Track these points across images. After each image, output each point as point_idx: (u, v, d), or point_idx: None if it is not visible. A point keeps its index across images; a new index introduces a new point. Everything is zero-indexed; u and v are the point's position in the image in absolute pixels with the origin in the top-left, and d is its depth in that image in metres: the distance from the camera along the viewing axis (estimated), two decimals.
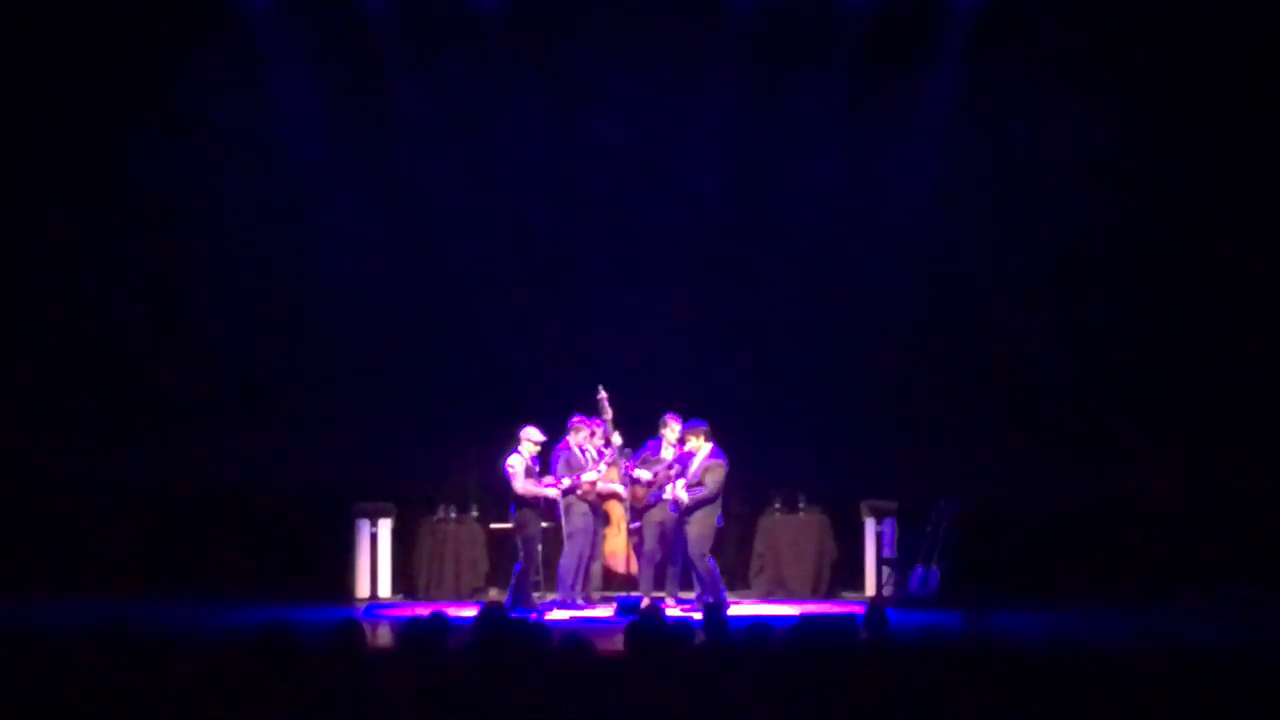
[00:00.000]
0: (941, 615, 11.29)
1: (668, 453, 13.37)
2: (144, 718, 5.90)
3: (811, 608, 13.24)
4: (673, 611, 12.51)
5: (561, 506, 13.20)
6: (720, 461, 12.96)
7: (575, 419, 13.40)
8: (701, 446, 12.98)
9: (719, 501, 13.07)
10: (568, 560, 13.23)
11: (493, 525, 14.47)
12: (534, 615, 12.49)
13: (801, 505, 14.95)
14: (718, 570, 13.13)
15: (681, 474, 13.07)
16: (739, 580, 14.56)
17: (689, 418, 13.23)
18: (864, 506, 14.70)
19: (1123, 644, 7.31)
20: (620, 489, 13.53)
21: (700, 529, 12.96)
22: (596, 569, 13.91)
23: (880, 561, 14.51)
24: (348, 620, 7.15)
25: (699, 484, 12.92)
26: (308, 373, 15.20)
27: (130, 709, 5.96)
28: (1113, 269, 15.20)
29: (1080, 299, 15.28)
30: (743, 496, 14.12)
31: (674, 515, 13.18)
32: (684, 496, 12.93)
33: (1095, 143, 15.07)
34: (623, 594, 13.49)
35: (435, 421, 15.17)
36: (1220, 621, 12.22)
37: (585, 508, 13.31)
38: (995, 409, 15.11)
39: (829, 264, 15.43)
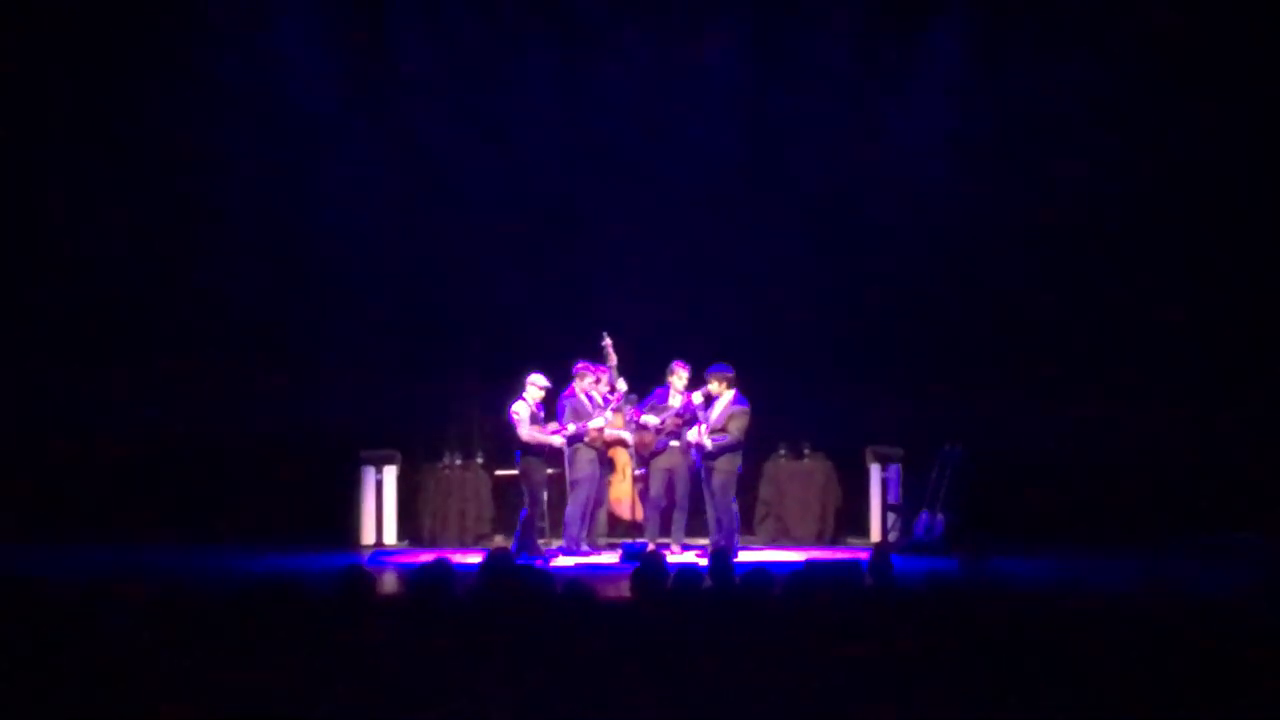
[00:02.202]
0: (946, 561, 11.32)
1: (675, 400, 13.36)
2: (150, 663, 5.93)
3: (816, 554, 13.28)
4: (678, 558, 12.56)
5: (567, 453, 13.21)
6: (744, 408, 12.95)
7: (580, 365, 13.38)
8: (725, 392, 12.98)
9: (741, 448, 13.07)
10: (573, 507, 13.25)
11: (498, 472, 14.51)
12: (539, 562, 12.53)
13: (806, 452, 14.98)
14: (739, 519, 13.16)
15: (691, 422, 13.07)
16: (744, 526, 14.59)
17: (695, 364, 13.22)
18: (869, 453, 14.73)
19: (1126, 590, 7.32)
20: (626, 435, 13.54)
21: (724, 476, 12.98)
22: (602, 515, 13.96)
23: (885, 508, 14.56)
24: (354, 567, 7.17)
25: (722, 430, 12.92)
26: (314, 321, 15.22)
27: (136, 654, 5.98)
28: (1120, 218, 15.15)
29: (1087, 247, 15.25)
30: (748, 443, 14.11)
31: (682, 462, 13.21)
32: (707, 443, 12.93)
33: (1103, 92, 14.99)
34: (628, 540, 13.53)
35: (440, 369, 15.19)
36: (1224, 569, 12.24)
37: (591, 454, 13.32)
38: (1001, 355, 15.10)
39: (835, 213, 15.40)
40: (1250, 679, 5.89)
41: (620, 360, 13.42)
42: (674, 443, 13.27)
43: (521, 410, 13.09)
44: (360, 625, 6.40)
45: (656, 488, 13.38)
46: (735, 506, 13.15)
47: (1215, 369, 14.86)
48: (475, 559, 10.98)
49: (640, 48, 15.18)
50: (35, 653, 5.96)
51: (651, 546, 12.85)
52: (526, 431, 13.07)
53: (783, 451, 14.97)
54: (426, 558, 7.65)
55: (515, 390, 13.24)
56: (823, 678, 5.85)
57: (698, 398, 13.07)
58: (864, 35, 15.11)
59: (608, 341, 13.38)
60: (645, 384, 13.64)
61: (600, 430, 13.29)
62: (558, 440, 13.13)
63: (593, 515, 13.59)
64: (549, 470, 13.34)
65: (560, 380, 13.37)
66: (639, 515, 13.64)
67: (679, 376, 13.36)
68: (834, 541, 14.65)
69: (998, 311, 15.29)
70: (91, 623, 6.28)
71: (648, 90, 15.28)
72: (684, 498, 13.34)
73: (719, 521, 13.05)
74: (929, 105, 15.28)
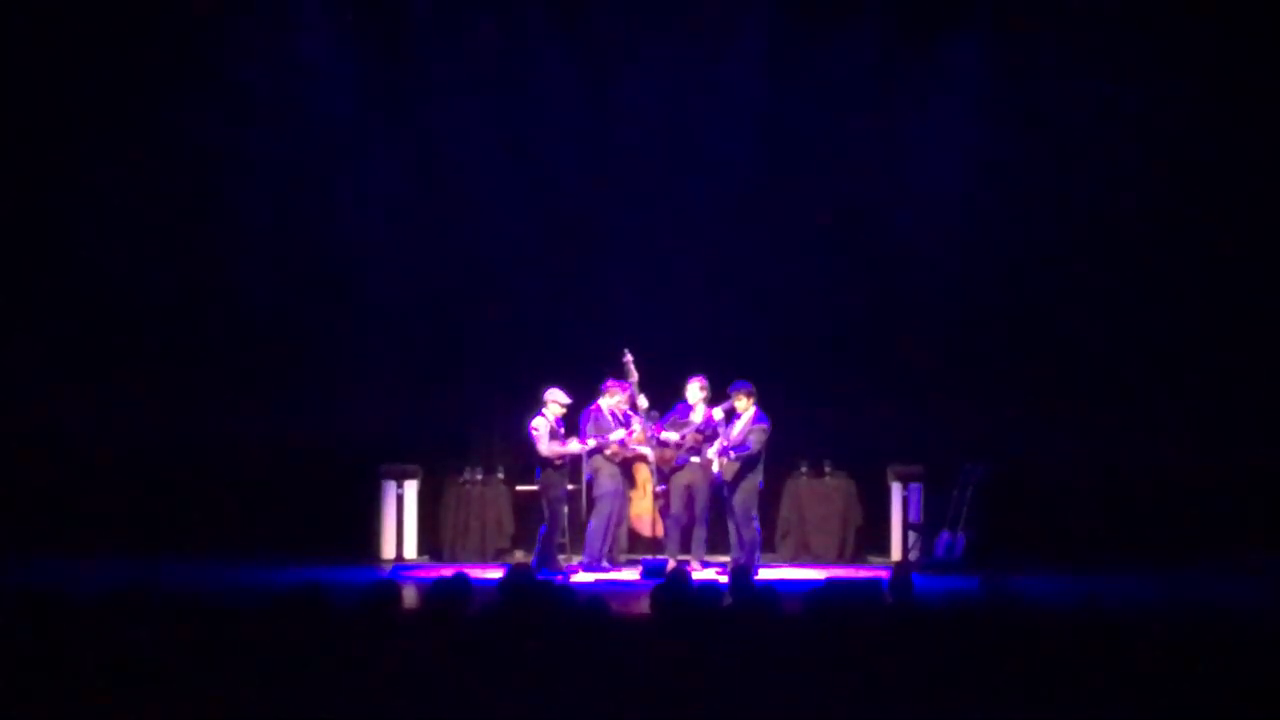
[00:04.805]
0: (967, 580, 11.28)
1: (696, 415, 13.33)
2: (171, 677, 5.93)
3: (837, 572, 13.22)
4: (698, 574, 12.53)
5: (589, 469, 13.19)
6: (765, 425, 12.95)
7: (608, 382, 13.38)
8: (748, 409, 12.98)
9: (761, 465, 13.06)
10: (595, 523, 13.24)
11: (518, 487, 14.51)
12: (559, 577, 12.51)
13: (827, 470, 14.94)
14: (760, 537, 13.15)
15: (711, 438, 13.06)
16: (765, 544, 14.54)
17: (718, 379, 13.19)
18: (890, 471, 14.68)
19: (1148, 609, 7.29)
20: (647, 451, 13.51)
21: (745, 495, 12.98)
22: (622, 532, 13.94)
23: (906, 526, 14.50)
24: (385, 583, 7.19)
25: (743, 444, 12.92)
26: (336, 335, 15.23)
27: (158, 668, 5.99)
28: (1143, 233, 15.09)
29: (1110, 263, 15.19)
30: (769, 461, 14.08)
31: (702, 478, 13.18)
32: (727, 460, 12.92)
33: (1126, 108, 14.96)
34: (648, 557, 13.50)
35: (462, 383, 15.20)
36: (1247, 588, 12.18)
37: (614, 470, 13.31)
38: (1023, 374, 15.05)
39: (858, 227, 15.38)
40: (1273, 697, 5.86)
41: (641, 375, 13.40)
42: (694, 459, 13.24)
43: (541, 426, 13.09)
44: (382, 640, 6.40)
45: (677, 504, 13.35)
46: (757, 524, 13.13)
47: (1240, 386, 14.79)
48: (495, 574, 10.99)
49: (661, 61, 15.19)
50: (56, 663, 5.97)
51: (672, 563, 12.82)
52: (546, 447, 13.06)
53: (804, 469, 14.94)
54: (446, 572, 7.63)
55: (535, 405, 13.24)
56: (843, 697, 5.83)
57: (718, 414, 13.06)
58: (886, 50, 15.10)
59: (629, 357, 13.36)
60: (666, 399, 13.61)
61: (621, 444, 13.28)
62: (575, 446, 13.11)
63: (614, 532, 13.57)
64: (569, 486, 13.34)
65: (580, 395, 13.36)
66: (659, 532, 13.61)
67: (695, 391, 13.31)
68: (855, 560, 14.60)
69: (1020, 329, 15.24)
70: (112, 634, 6.29)
71: (669, 103, 15.28)
72: (704, 514, 13.31)
73: (740, 539, 13.03)
74: (951, 121, 15.25)
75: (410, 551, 14.49)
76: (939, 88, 15.27)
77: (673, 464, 13.37)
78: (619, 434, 13.24)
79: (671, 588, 7.30)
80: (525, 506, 14.40)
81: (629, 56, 15.19)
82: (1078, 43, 14.95)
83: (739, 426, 12.99)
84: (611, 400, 13.33)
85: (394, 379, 15.11)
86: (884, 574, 9.68)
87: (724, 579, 11.40)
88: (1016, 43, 15.11)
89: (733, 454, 12.91)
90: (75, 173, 15.05)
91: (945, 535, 13.97)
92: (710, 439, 13.12)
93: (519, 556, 14.09)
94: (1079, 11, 14.91)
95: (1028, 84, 15.15)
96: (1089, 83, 14.96)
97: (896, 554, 14.45)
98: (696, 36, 15.23)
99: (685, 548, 13.35)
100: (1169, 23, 14.69)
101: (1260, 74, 14.64)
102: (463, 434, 15.19)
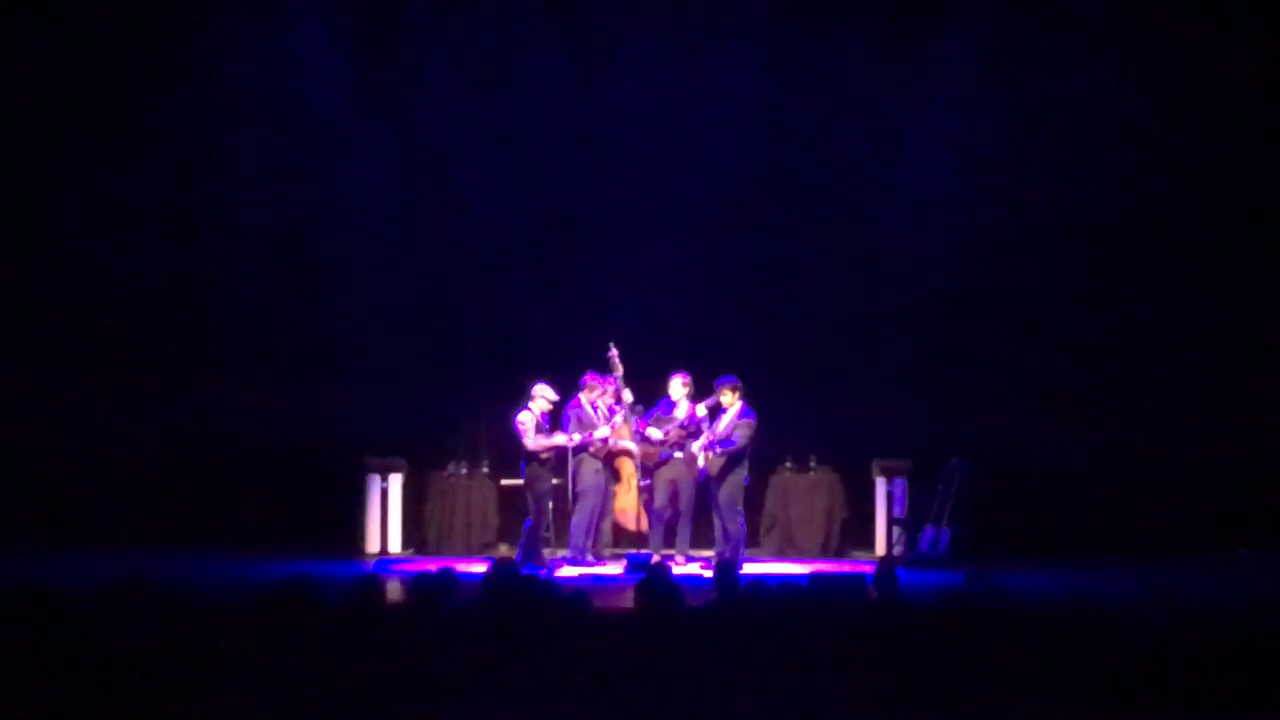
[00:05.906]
0: (951, 576, 11.30)
1: (680, 411, 13.34)
2: (159, 670, 5.93)
3: (822, 567, 13.26)
4: (682, 569, 12.55)
5: (572, 463, 13.19)
6: (751, 420, 12.96)
7: (588, 376, 13.39)
8: (734, 403, 13.00)
9: (746, 460, 13.08)
10: (579, 517, 13.24)
11: (503, 481, 14.50)
12: (544, 572, 12.51)
13: (812, 464, 14.96)
14: (745, 532, 13.16)
15: (695, 434, 13.07)
16: (749, 539, 14.56)
17: (706, 374, 13.20)
18: (875, 466, 14.71)
19: (1133, 605, 7.31)
20: (631, 446, 13.51)
21: (730, 489, 12.99)
22: (606, 526, 13.94)
23: (891, 521, 14.53)
24: (369, 577, 7.19)
25: (729, 439, 12.94)
26: (321, 328, 15.22)
27: (146, 662, 5.99)
28: (1133, 229, 15.12)
29: (1098, 260, 15.22)
30: (754, 455, 14.10)
31: (686, 473, 13.19)
32: (713, 455, 12.93)
33: (1116, 104, 14.98)
34: (632, 551, 13.51)
35: (447, 377, 15.19)
36: (1231, 584, 12.23)
37: (597, 464, 13.31)
38: (1008, 370, 15.08)
39: (847, 224, 15.40)
40: (1256, 692, 5.88)
41: (627, 370, 13.40)
42: (678, 454, 13.25)
43: (527, 420, 13.08)
44: (366, 633, 6.40)
45: (661, 499, 13.35)
46: (742, 518, 13.14)
47: (1226, 384, 14.83)
48: (480, 568, 10.99)
49: (654, 57, 15.20)
50: (47, 657, 5.97)
51: (656, 558, 12.82)
52: (532, 441, 13.06)
53: (789, 464, 14.96)
54: (431, 566, 7.64)
55: (522, 399, 13.24)
56: (827, 691, 5.84)
57: (701, 410, 13.08)
58: (877, 46, 15.09)
59: (614, 352, 13.35)
60: (652, 394, 13.62)
61: (605, 440, 13.28)
62: (561, 439, 13.10)
63: (598, 526, 13.57)
64: (554, 480, 13.33)
65: (567, 390, 13.37)
66: (644, 526, 13.62)
67: (678, 387, 13.32)
68: (839, 554, 14.62)
69: (1006, 325, 15.26)
70: (101, 628, 6.29)
71: (660, 100, 15.29)
72: (689, 509, 13.32)
73: (726, 533, 13.04)
74: (942, 117, 15.26)
75: (395, 545, 14.49)
76: (931, 84, 15.28)
77: (657, 459, 13.38)
78: (603, 431, 13.24)
79: (655, 582, 7.30)
80: (510, 501, 14.40)
81: (621, 53, 15.18)
82: (1071, 39, 14.96)
83: (725, 421, 13.00)
84: (592, 394, 13.34)
85: (380, 373, 15.09)
86: (868, 569, 9.72)
87: (708, 573, 11.42)
88: (1008, 39, 15.11)
89: (719, 449, 12.95)
90: (67, 170, 15.02)
91: (929, 530, 14.00)
92: (694, 435, 13.14)
93: (503, 551, 14.10)
94: (1072, 8, 14.92)
95: (1020, 80, 15.15)
96: (1082, 79, 14.97)
97: (881, 549, 14.48)
98: (689, 34, 15.23)
99: (669, 542, 13.37)
100: (1162, 19, 14.71)
101: (1254, 72, 14.65)
102: (448, 428, 15.18)
